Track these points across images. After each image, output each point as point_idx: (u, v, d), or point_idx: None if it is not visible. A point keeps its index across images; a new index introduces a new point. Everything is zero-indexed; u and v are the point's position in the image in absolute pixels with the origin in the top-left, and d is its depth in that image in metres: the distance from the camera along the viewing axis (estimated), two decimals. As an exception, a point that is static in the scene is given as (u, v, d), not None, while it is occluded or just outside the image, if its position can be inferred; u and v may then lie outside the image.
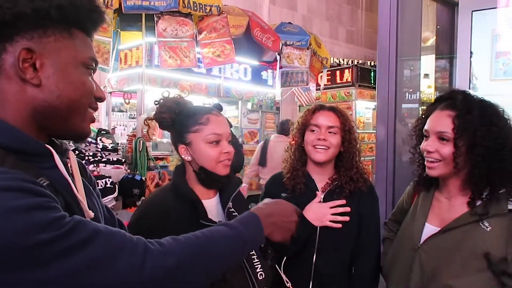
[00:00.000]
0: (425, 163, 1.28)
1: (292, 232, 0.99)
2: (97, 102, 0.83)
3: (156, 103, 1.34)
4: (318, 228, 1.53)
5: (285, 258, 1.48)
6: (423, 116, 1.34)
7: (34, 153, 0.72)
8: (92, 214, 0.79)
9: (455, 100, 1.23)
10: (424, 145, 1.27)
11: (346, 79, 7.75)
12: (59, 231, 0.61)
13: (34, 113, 0.73)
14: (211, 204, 1.28)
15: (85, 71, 0.78)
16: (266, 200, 1.01)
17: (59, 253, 0.60)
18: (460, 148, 1.18)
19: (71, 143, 3.51)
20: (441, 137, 1.21)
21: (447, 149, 1.20)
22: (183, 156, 1.27)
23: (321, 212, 1.51)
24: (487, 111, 1.19)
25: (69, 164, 0.82)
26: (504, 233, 1.11)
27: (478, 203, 1.18)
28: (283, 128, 4.69)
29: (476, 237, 1.14)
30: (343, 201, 1.53)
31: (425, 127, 1.28)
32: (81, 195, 0.80)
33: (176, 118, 1.27)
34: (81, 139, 0.83)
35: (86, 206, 0.79)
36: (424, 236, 1.27)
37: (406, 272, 1.27)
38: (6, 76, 0.70)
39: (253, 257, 1.26)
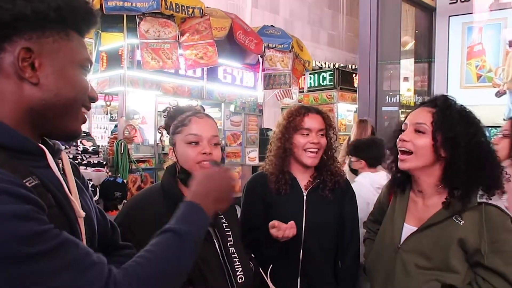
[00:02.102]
0: (398, 156, 1.31)
1: (234, 192, 0.97)
2: (91, 103, 0.84)
3: (163, 111, 1.39)
4: (304, 226, 1.55)
5: (271, 265, 1.49)
6: (405, 119, 1.37)
7: (26, 151, 0.73)
8: (83, 213, 0.79)
9: (436, 101, 1.29)
10: (400, 135, 1.31)
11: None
12: (39, 248, 0.61)
13: (30, 112, 0.73)
14: None
15: (81, 71, 0.80)
16: (197, 176, 0.96)
17: (32, 272, 0.60)
18: (438, 140, 1.22)
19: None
20: (418, 129, 1.26)
21: (422, 141, 1.24)
22: (170, 157, 1.29)
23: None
24: (465, 112, 1.25)
25: (60, 164, 0.82)
26: (476, 225, 1.16)
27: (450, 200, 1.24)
28: None
29: (451, 232, 1.19)
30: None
31: (405, 121, 1.33)
32: (74, 195, 0.80)
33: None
34: (72, 139, 0.84)
35: (78, 206, 0.79)
36: (404, 237, 1.31)
37: (390, 272, 1.31)
38: (4, 75, 0.71)
39: (234, 259, 1.26)
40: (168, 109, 1.39)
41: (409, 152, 1.26)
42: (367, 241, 1.60)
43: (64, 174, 0.82)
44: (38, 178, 0.71)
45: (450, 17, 4.46)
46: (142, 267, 0.73)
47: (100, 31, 4.44)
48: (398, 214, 1.36)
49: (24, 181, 0.68)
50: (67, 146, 3.62)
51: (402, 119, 1.41)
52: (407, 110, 4.38)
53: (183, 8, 4.07)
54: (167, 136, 1.39)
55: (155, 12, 3.90)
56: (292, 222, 1.44)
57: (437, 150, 1.22)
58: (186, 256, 0.80)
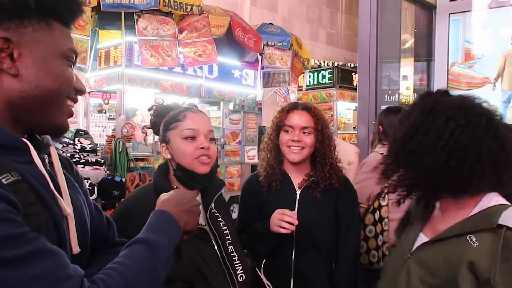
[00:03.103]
0: None
1: (199, 214, 0.96)
2: (77, 96, 0.81)
3: (149, 109, 1.37)
4: (295, 226, 1.53)
5: (264, 260, 1.48)
6: None
7: (9, 146, 0.70)
8: (69, 211, 0.75)
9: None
10: None
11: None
12: (11, 253, 0.58)
13: (11, 105, 0.71)
14: None
15: (65, 62, 0.76)
16: (162, 195, 0.96)
17: (1, 279, 0.57)
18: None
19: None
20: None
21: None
22: (163, 155, 1.27)
23: (275, 218, 1.46)
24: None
25: (46, 160, 0.78)
26: (491, 250, 0.96)
27: (474, 212, 1.06)
28: None
29: (462, 252, 1.02)
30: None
31: None
32: (63, 191, 0.77)
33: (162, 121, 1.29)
34: (59, 134, 0.80)
35: (67, 202, 0.76)
36: (416, 247, 1.17)
37: (392, 283, 1.19)
38: None
39: (234, 258, 1.24)
40: (154, 107, 1.37)
41: None
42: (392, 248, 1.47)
43: (53, 170, 0.79)
44: (20, 174, 0.68)
45: (451, 15, 4.43)
46: (113, 281, 0.70)
47: (97, 29, 4.41)
48: (417, 221, 1.22)
49: (0, 177, 0.64)
50: (64, 145, 3.60)
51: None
52: (406, 109, 4.35)
53: (182, 5, 4.04)
54: (156, 141, 1.38)
55: (153, 9, 3.87)
56: (292, 213, 1.44)
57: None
58: (159, 268, 0.77)
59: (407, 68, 5.27)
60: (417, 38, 5.14)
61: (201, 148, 1.20)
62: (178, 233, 0.85)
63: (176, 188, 1.09)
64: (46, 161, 0.78)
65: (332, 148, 1.63)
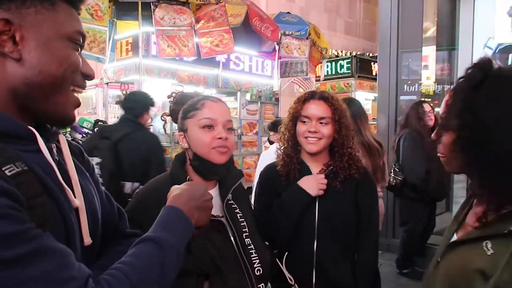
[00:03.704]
0: None
1: (211, 209, 0.92)
2: (86, 81, 0.76)
3: (169, 97, 1.35)
4: (317, 214, 1.50)
5: (286, 253, 1.45)
6: None
7: (15, 134, 0.66)
8: (77, 202, 0.72)
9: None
10: None
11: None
12: (8, 253, 0.55)
13: (14, 92, 0.67)
14: None
15: (70, 46, 0.72)
16: (174, 188, 0.92)
17: None
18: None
19: (67, 135, 3.45)
20: None
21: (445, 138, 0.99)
22: (180, 144, 1.24)
23: (315, 181, 1.50)
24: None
25: (54, 149, 0.75)
26: (503, 262, 0.79)
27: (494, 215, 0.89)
28: None
29: (472, 259, 0.87)
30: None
31: None
32: (73, 181, 0.74)
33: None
34: (65, 125, 0.76)
35: (77, 192, 0.73)
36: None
37: None
38: None
39: (251, 251, 1.22)
40: (173, 94, 1.35)
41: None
42: None
43: (62, 158, 0.75)
44: (26, 164, 0.64)
45: (475, 1, 4.25)
46: (118, 281, 0.66)
47: (115, 20, 4.42)
48: (453, 221, 1.07)
49: (3, 168, 0.61)
50: (84, 135, 3.64)
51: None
52: (426, 99, 4.23)
53: (198, -6, 4.00)
54: (174, 132, 1.36)
55: (170, -1, 3.85)
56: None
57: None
58: (168, 267, 0.73)
59: (428, 57, 5.13)
60: (439, 26, 4.98)
61: (219, 138, 1.17)
62: (189, 230, 0.82)
63: (189, 179, 1.06)
64: (54, 150, 0.75)
65: (351, 138, 1.59)
